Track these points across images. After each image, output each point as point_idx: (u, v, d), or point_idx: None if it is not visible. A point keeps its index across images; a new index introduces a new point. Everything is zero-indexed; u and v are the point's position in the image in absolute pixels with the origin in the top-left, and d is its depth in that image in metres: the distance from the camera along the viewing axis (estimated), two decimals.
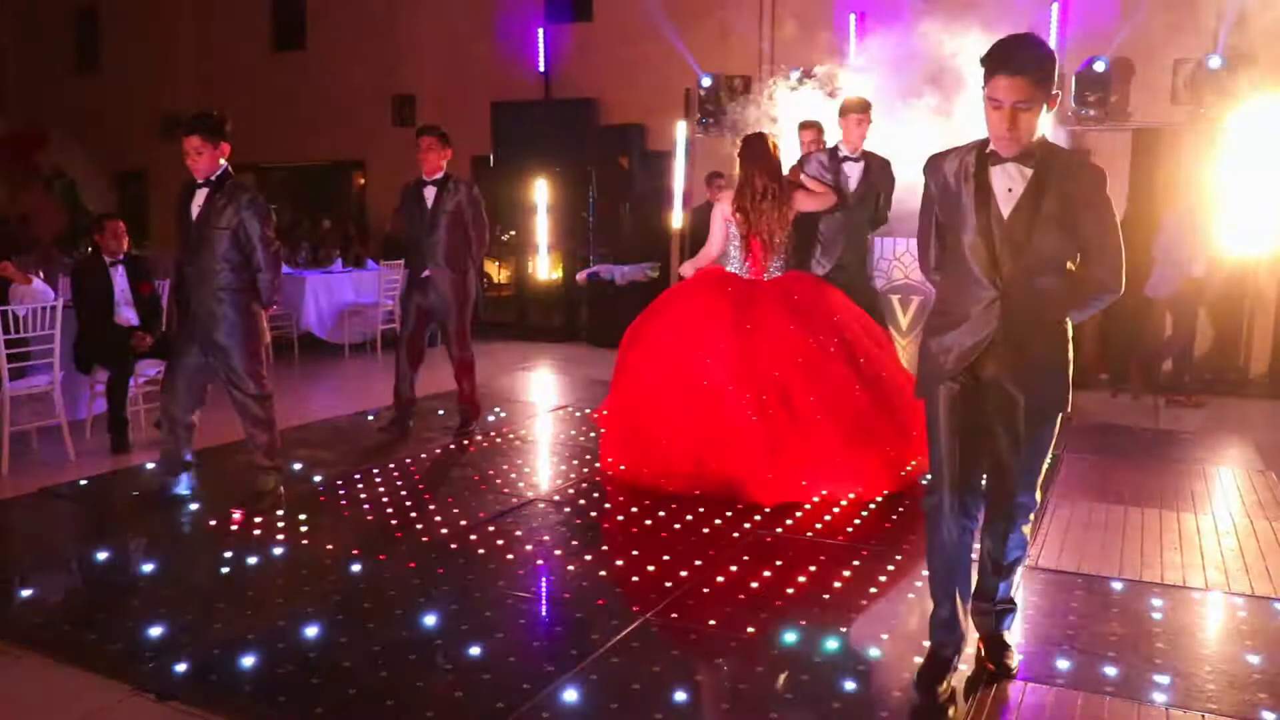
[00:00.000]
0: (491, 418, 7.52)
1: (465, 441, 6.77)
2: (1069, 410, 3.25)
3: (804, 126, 6.85)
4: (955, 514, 3.27)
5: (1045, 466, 3.31)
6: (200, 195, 5.08)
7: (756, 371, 5.40)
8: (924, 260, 3.45)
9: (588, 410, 7.72)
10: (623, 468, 5.74)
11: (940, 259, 3.33)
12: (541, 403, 8.29)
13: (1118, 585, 4.31)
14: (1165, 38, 9.41)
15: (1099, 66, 9.48)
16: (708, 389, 5.44)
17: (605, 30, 12.35)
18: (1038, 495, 3.36)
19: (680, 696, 3.29)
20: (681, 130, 11.14)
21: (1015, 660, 3.49)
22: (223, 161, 5.09)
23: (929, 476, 3.43)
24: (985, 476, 3.34)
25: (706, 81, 11.23)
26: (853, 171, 6.40)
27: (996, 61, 2.97)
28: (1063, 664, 3.56)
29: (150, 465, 5.93)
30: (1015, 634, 3.70)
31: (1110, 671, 3.50)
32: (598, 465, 6.09)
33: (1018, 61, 2.94)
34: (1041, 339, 3.16)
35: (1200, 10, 9.41)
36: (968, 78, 6.64)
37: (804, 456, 5.33)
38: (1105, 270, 3.12)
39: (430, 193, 6.72)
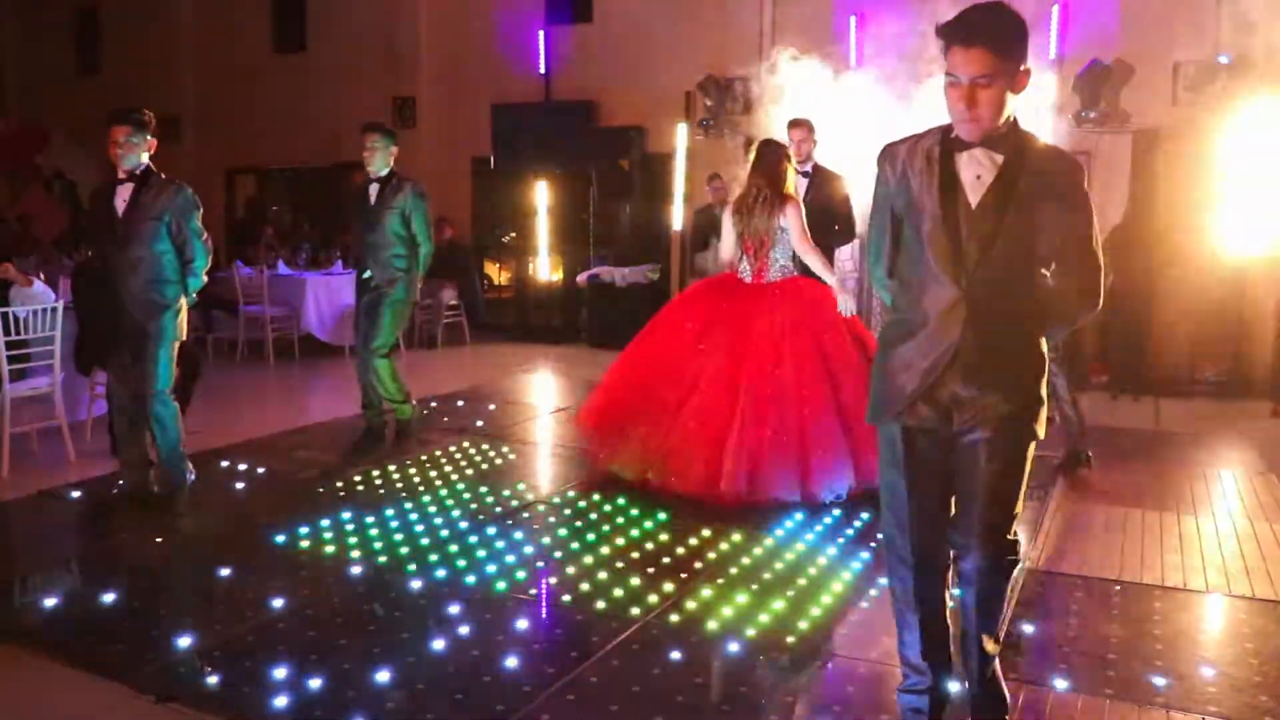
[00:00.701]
0: (487, 420, 7.50)
1: (467, 444, 6.76)
2: (1041, 437, 2.85)
3: (793, 125, 6.79)
4: (909, 566, 2.90)
5: (1019, 508, 2.86)
6: (125, 190, 5.11)
7: (735, 372, 5.44)
8: (875, 264, 3.00)
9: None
10: (613, 466, 5.76)
11: (894, 263, 2.90)
12: (542, 404, 8.29)
13: (1118, 587, 4.31)
14: (1166, 40, 9.42)
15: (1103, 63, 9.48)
16: (686, 388, 5.52)
17: (605, 32, 12.36)
18: (1017, 536, 2.87)
19: (680, 699, 3.29)
20: (681, 132, 11.15)
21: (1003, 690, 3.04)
22: (146, 158, 5.13)
23: (884, 534, 3.00)
24: (952, 519, 2.91)
25: (705, 89, 11.23)
26: (800, 184, 6.45)
27: (952, 31, 2.60)
28: (1062, 666, 3.55)
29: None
30: (1012, 637, 3.70)
31: (1110, 674, 3.50)
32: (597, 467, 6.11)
33: (976, 31, 2.57)
34: (1011, 354, 2.76)
35: (1200, 12, 9.42)
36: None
37: (776, 455, 5.30)
38: (1084, 280, 2.77)
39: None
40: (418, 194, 6.49)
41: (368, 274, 6.51)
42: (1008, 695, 3.04)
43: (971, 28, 2.59)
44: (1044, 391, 2.84)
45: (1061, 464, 6.12)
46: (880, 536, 3.00)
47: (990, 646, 2.95)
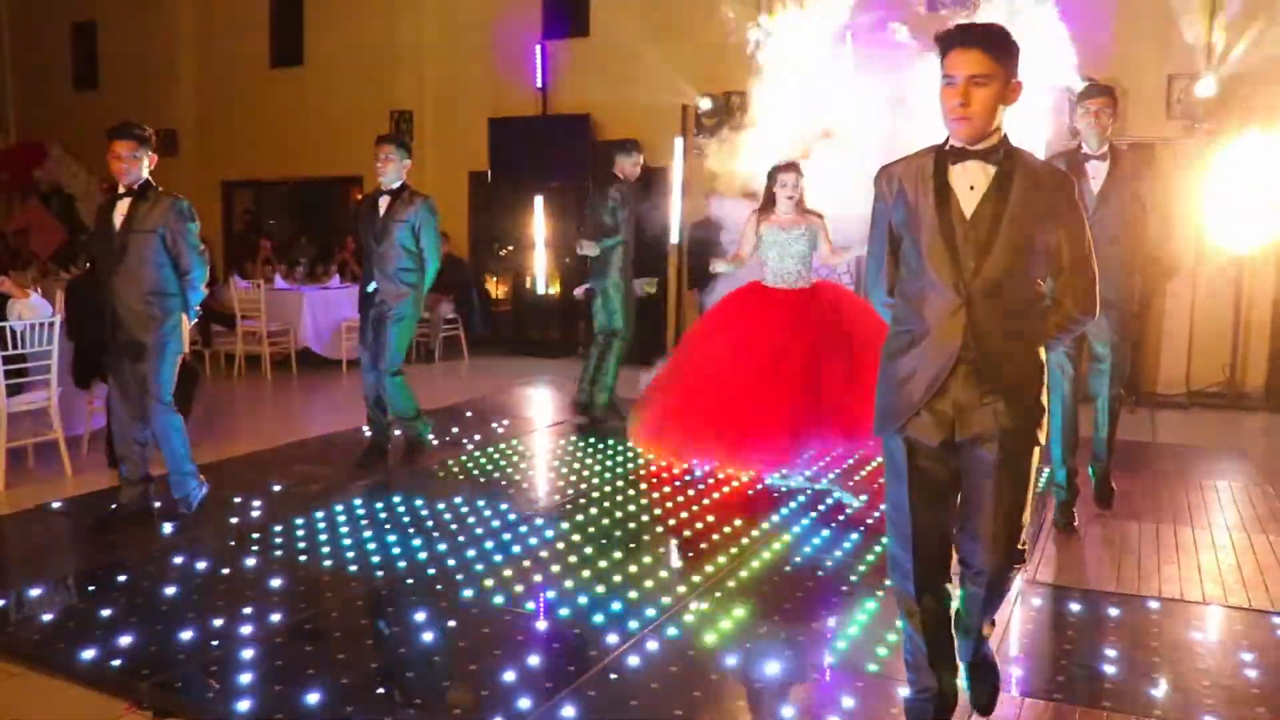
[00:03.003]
0: (485, 434, 7.51)
1: (465, 458, 6.76)
2: (1043, 444, 2.92)
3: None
4: (918, 577, 2.93)
5: (1026, 517, 2.93)
6: (123, 204, 5.13)
7: (770, 360, 5.96)
8: (874, 284, 3.06)
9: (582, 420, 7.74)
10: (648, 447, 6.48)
11: (894, 281, 2.97)
12: (539, 418, 8.29)
13: (1115, 599, 4.32)
14: (1159, 53, 9.46)
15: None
16: (730, 374, 6.04)
17: (602, 46, 12.39)
18: (1025, 543, 2.97)
19: (678, 713, 3.29)
20: (678, 146, 11.18)
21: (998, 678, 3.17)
22: (146, 172, 5.16)
23: (888, 544, 3.05)
24: (958, 530, 2.98)
25: (705, 104, 11.27)
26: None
27: (951, 35, 2.74)
28: (1060, 678, 3.55)
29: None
30: (1012, 649, 3.70)
31: (1108, 685, 3.50)
32: (594, 481, 6.14)
33: (974, 34, 2.73)
34: (1012, 362, 2.82)
35: (1193, 26, 9.46)
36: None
37: (809, 432, 5.91)
38: (1079, 292, 2.86)
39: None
40: (429, 209, 6.36)
41: (373, 287, 6.38)
42: (997, 662, 3.20)
43: (970, 31, 2.74)
44: (1044, 400, 2.90)
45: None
46: (883, 546, 3.02)
47: (987, 630, 3.12)
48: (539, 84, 12.73)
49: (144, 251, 5.09)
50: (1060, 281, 2.85)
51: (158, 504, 5.37)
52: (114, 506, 5.33)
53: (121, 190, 5.16)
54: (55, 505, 5.60)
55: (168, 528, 5.18)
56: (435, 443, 6.96)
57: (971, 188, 2.79)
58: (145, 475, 5.35)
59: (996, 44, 2.72)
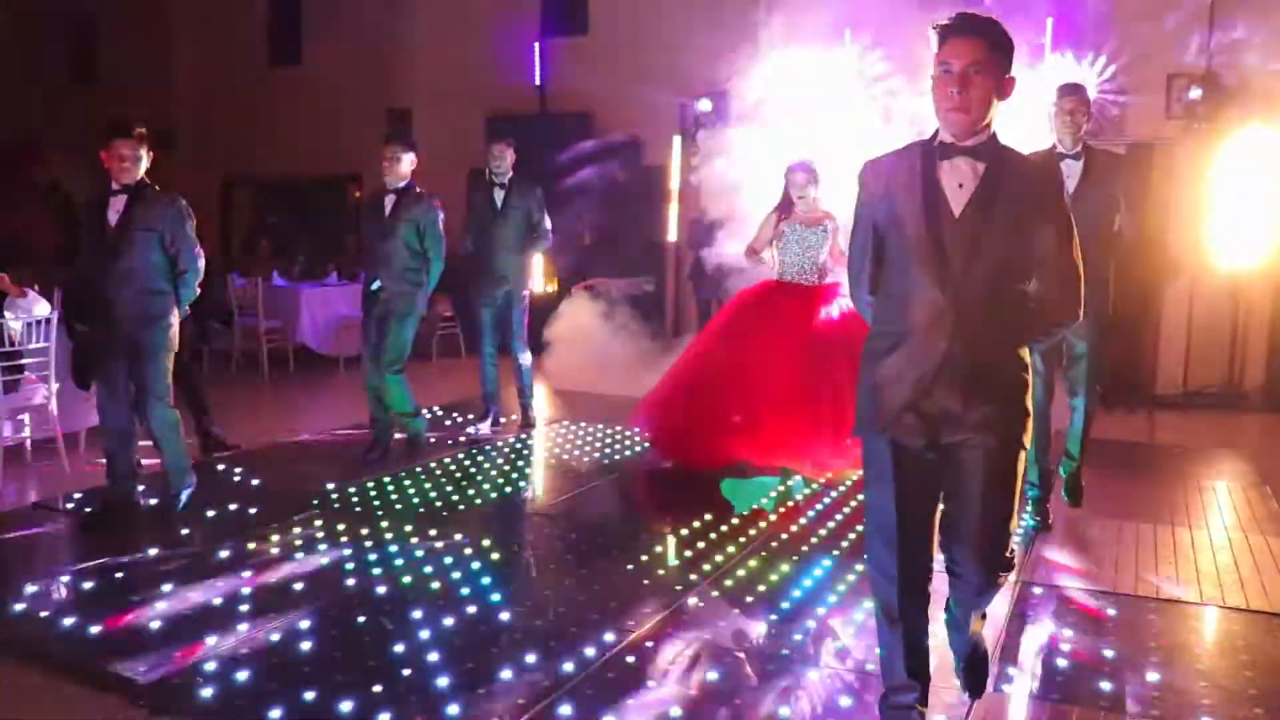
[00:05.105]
0: (476, 431, 7.50)
1: (460, 455, 6.76)
2: (1027, 447, 2.87)
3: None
4: (901, 582, 2.85)
5: (1014, 524, 2.90)
6: (118, 202, 5.11)
7: (769, 359, 5.98)
8: (856, 283, 2.99)
9: (581, 423, 7.73)
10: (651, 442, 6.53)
11: (876, 278, 2.90)
12: (537, 415, 8.27)
13: (1112, 599, 4.31)
14: (1159, 53, 9.45)
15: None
16: (732, 371, 6.07)
17: (601, 44, 12.38)
18: (1013, 550, 2.94)
19: (675, 712, 3.29)
20: (677, 145, 11.17)
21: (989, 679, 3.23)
22: (143, 170, 5.14)
23: (868, 553, 2.97)
24: (944, 536, 2.92)
25: (705, 105, 11.26)
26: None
27: (949, 25, 2.70)
28: (1057, 679, 3.55)
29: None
30: (1006, 649, 3.70)
31: (1105, 686, 3.50)
32: (593, 480, 6.13)
33: (972, 24, 2.69)
34: (996, 357, 2.77)
35: (1194, 26, 9.46)
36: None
37: (805, 427, 5.87)
38: (1065, 293, 2.81)
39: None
40: (433, 208, 6.42)
41: (377, 285, 6.42)
42: (987, 650, 3.23)
43: (967, 20, 2.71)
44: (1029, 403, 2.84)
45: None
46: (867, 568, 3.00)
47: (978, 624, 3.10)
48: (537, 82, 12.72)
49: (141, 250, 5.07)
50: (1046, 282, 2.79)
51: (154, 500, 5.36)
52: (101, 504, 5.31)
53: (116, 188, 5.12)
54: (53, 502, 5.58)
55: (161, 526, 5.16)
56: (432, 440, 6.97)
57: (960, 186, 2.72)
58: (132, 471, 5.32)
59: (995, 36, 2.70)
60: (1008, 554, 2.91)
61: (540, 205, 7.39)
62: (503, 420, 7.68)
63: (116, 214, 5.10)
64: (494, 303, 7.39)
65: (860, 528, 5.24)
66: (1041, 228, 2.75)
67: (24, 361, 6.24)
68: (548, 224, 7.42)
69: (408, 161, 6.41)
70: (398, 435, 6.75)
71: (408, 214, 6.34)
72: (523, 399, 7.67)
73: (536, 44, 12.72)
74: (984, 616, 3.14)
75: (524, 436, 7.39)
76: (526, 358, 7.63)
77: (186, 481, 5.36)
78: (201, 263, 5.27)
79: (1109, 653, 3.77)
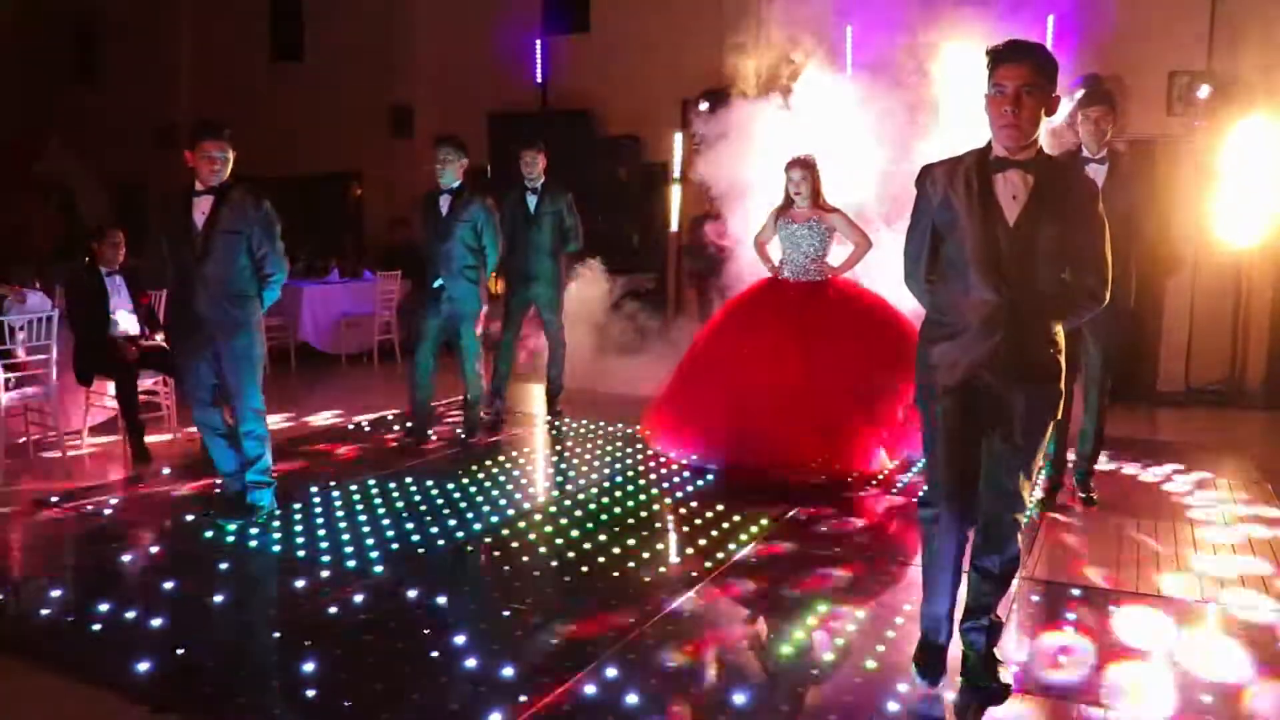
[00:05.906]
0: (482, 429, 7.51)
1: (460, 451, 6.78)
2: (1060, 416, 3.28)
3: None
4: (952, 526, 3.26)
5: (1037, 473, 3.28)
6: (204, 202, 5.00)
7: (779, 354, 6.01)
8: (913, 270, 3.38)
9: (583, 421, 7.74)
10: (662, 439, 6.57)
11: (932, 266, 3.30)
12: (539, 413, 8.28)
13: (1113, 596, 4.32)
14: (1160, 50, 9.44)
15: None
16: (740, 370, 6.10)
17: (602, 42, 12.38)
18: (1028, 498, 3.33)
19: (677, 709, 3.30)
20: (678, 142, 11.18)
21: (1008, 675, 3.40)
22: (228, 171, 5.06)
23: (925, 490, 3.42)
24: (980, 484, 3.31)
25: (705, 106, 11.25)
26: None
27: (1002, 50, 3.08)
28: (1057, 676, 3.56)
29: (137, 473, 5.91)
30: (1010, 646, 3.71)
31: (1105, 683, 3.50)
32: (594, 477, 6.15)
33: (1023, 50, 3.06)
34: (1038, 346, 3.18)
35: (1194, 23, 9.45)
36: (961, 89, 6.64)
37: (813, 427, 5.86)
38: (1096, 280, 3.19)
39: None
40: (487, 208, 6.79)
41: (439, 282, 6.75)
42: (995, 650, 3.44)
43: (1019, 47, 3.08)
44: (1062, 374, 3.24)
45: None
46: (921, 515, 3.38)
47: (994, 619, 3.42)
48: (539, 79, 12.72)
49: (228, 252, 4.98)
50: (1082, 270, 3.19)
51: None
52: (217, 491, 5.45)
53: (200, 188, 5.00)
54: (53, 500, 5.59)
55: (168, 523, 5.17)
56: (487, 418, 7.41)
57: (1014, 198, 3.10)
58: (241, 464, 5.27)
59: (1043, 60, 3.05)
60: (1026, 498, 3.29)
61: (571, 208, 7.78)
62: (504, 417, 7.81)
63: (202, 215, 4.98)
64: (524, 302, 7.87)
65: (860, 526, 5.27)
66: (1079, 227, 3.13)
67: (24, 360, 6.24)
68: (579, 227, 7.82)
69: (459, 162, 6.77)
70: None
71: (465, 214, 6.70)
72: (553, 386, 8.10)
73: (538, 41, 12.73)
74: (998, 618, 3.42)
75: (548, 422, 7.71)
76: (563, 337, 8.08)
77: (266, 494, 5.27)
78: (288, 266, 5.21)
79: (1108, 649, 3.77)
